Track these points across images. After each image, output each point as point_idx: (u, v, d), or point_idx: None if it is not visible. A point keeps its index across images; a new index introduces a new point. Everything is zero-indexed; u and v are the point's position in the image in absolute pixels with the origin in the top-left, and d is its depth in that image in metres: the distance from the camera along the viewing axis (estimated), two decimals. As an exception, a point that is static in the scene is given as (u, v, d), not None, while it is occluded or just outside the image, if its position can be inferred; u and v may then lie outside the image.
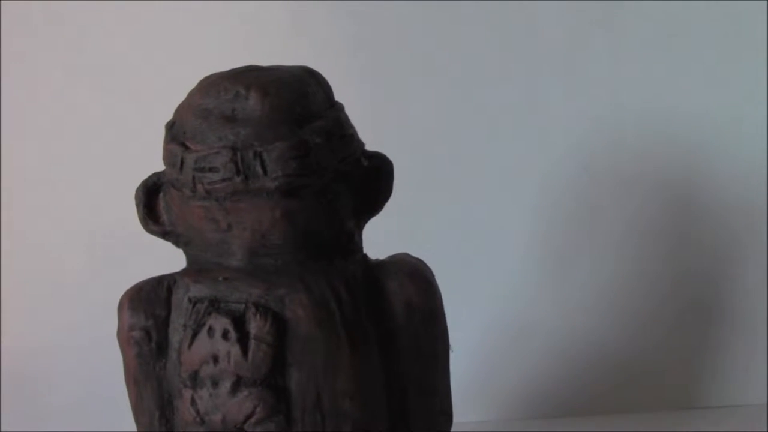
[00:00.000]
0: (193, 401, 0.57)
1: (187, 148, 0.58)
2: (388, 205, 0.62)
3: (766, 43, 0.89)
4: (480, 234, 0.91)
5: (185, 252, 0.61)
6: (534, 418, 0.91)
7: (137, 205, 0.61)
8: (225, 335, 0.56)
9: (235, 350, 0.56)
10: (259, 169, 0.56)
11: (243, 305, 0.57)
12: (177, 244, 0.61)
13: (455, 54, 0.90)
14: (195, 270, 0.60)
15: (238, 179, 0.56)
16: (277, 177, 0.56)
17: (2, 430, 0.90)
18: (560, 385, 0.92)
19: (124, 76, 0.90)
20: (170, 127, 0.60)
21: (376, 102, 0.89)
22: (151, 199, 0.61)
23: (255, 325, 0.56)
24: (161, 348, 0.59)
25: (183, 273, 0.60)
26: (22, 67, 0.90)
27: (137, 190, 0.61)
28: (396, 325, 0.59)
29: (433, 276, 0.61)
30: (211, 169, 0.57)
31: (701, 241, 0.91)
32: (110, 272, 0.87)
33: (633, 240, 0.91)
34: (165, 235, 0.61)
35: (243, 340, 0.56)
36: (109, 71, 0.90)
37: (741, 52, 0.90)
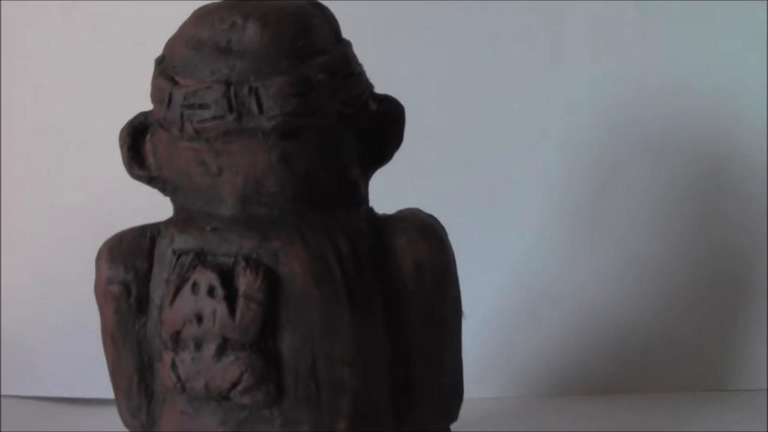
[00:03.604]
0: (174, 365, 0.54)
1: (176, 83, 0.55)
2: (398, 158, 0.59)
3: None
4: (497, 195, 0.89)
5: (172, 200, 0.58)
6: (553, 395, 0.89)
7: (121, 147, 0.58)
8: (211, 292, 0.53)
9: (222, 309, 0.53)
10: (254, 106, 0.53)
11: (232, 259, 0.54)
12: (164, 191, 0.58)
13: (477, 2, 0.88)
14: (181, 219, 0.56)
15: (230, 117, 0.53)
16: (275, 116, 0.53)
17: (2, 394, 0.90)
18: (582, 361, 0.90)
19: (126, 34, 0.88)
20: (160, 61, 0.57)
21: (391, 46, 0.87)
22: (137, 141, 0.58)
23: (244, 281, 0.53)
24: (141, 304, 0.56)
25: (168, 222, 0.57)
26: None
27: (122, 131, 0.58)
28: (403, 286, 0.56)
29: (446, 234, 0.58)
30: (201, 106, 0.53)
31: (733, 213, 0.90)
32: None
33: (663, 209, 0.90)
34: (151, 180, 0.58)
35: (231, 297, 0.53)
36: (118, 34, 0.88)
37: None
